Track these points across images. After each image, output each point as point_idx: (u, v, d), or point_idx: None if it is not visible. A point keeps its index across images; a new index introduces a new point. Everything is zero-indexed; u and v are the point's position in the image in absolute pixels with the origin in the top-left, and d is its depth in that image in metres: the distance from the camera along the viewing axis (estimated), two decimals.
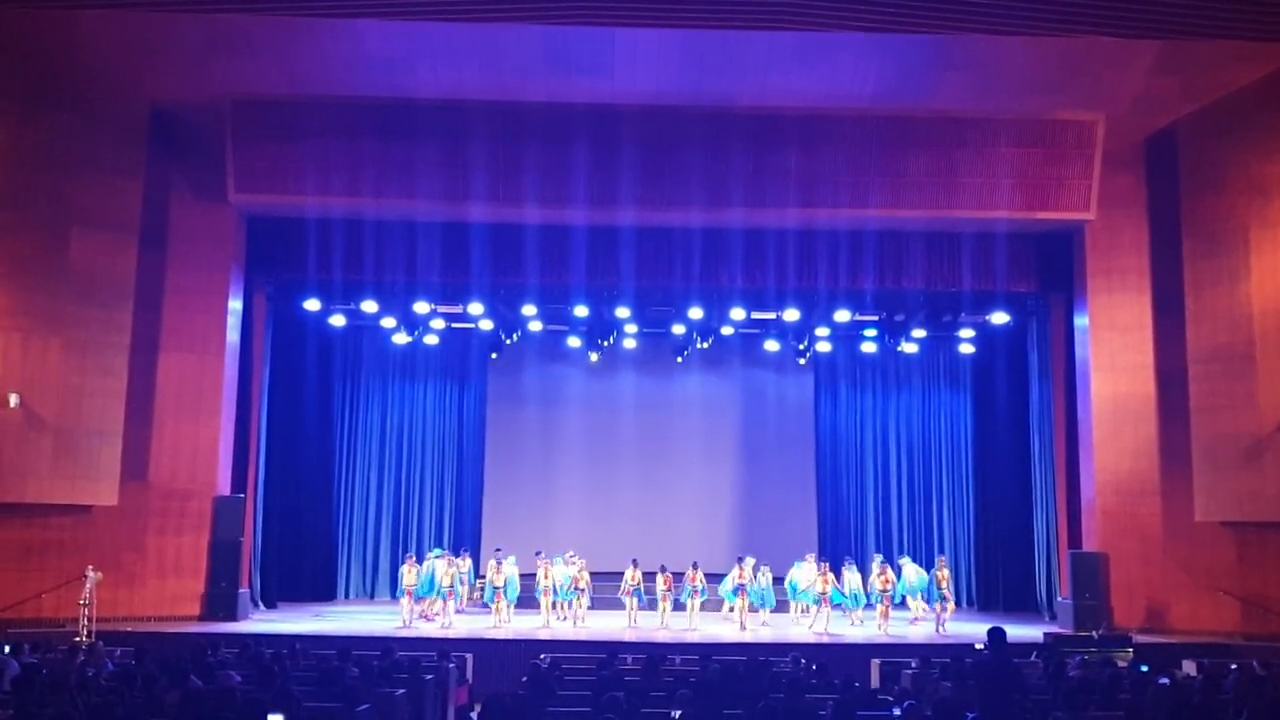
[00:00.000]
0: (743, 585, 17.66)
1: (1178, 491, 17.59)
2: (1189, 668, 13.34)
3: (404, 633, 16.25)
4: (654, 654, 11.78)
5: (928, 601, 17.98)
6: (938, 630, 17.35)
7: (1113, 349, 18.17)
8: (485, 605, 17.80)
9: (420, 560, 18.15)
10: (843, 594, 17.68)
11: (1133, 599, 17.65)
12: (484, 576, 18.16)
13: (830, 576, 17.61)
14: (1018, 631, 15.10)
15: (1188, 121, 17.36)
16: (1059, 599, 18.67)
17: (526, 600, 17.95)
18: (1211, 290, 17.09)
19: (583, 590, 17.83)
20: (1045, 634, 16.44)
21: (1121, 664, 12.49)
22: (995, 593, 21.40)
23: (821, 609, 17.46)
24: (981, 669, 8.83)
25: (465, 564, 18.16)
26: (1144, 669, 11.95)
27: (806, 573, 17.90)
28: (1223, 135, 16.96)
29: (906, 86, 16.43)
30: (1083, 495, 18.52)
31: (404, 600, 17.42)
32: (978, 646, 14.02)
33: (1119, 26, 13.82)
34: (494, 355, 21.78)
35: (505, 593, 17.44)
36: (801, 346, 20.99)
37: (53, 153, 16.14)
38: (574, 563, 18.09)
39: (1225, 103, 16.74)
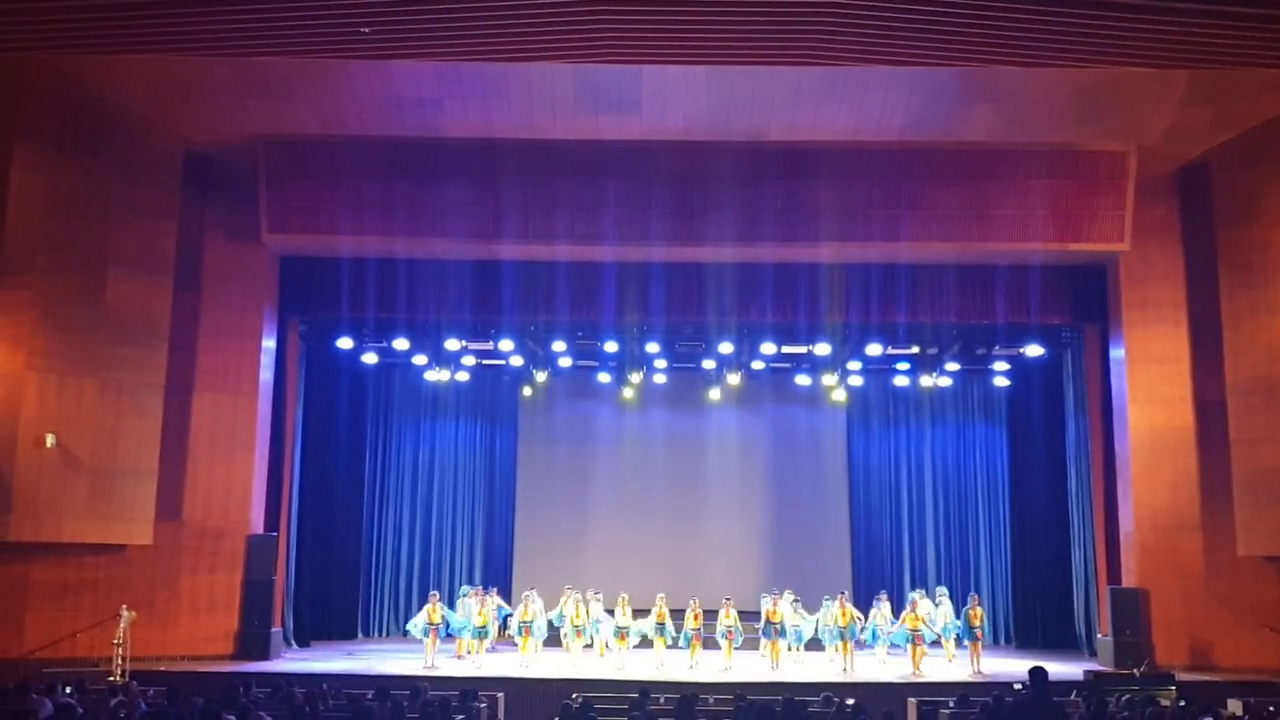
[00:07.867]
0: (774, 623, 17.45)
1: (1219, 526, 17.25)
2: (1234, 707, 13.06)
3: (434, 672, 16.13)
4: (687, 694, 11.59)
5: (959, 641, 17.68)
6: (974, 669, 17.03)
7: (1149, 381, 17.92)
8: (514, 642, 17.67)
9: (446, 598, 18.07)
10: (859, 630, 17.39)
11: (1174, 636, 17.31)
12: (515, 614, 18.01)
13: (850, 610, 17.35)
14: (1057, 668, 14.81)
15: (1220, 151, 17.19)
16: (1099, 636, 18.34)
17: (553, 638, 17.93)
18: (1250, 321, 16.82)
19: (625, 629, 17.58)
20: (1085, 672, 16.09)
21: (1164, 703, 12.21)
22: (1034, 629, 21.07)
23: (844, 644, 17.15)
24: (1021, 709, 8.66)
25: (495, 601, 18.05)
26: (1182, 704, 11.70)
27: (833, 612, 17.63)
28: (1256, 165, 16.76)
29: (935, 119, 16.40)
30: (1121, 530, 18.19)
31: (428, 641, 17.31)
32: (1016, 686, 13.80)
33: (1149, 57, 13.64)
34: (526, 391, 21.80)
35: (533, 630, 17.35)
36: (833, 381, 20.83)
37: (89, 196, 16.32)
38: (598, 600, 17.95)
39: (1257, 132, 16.57)
